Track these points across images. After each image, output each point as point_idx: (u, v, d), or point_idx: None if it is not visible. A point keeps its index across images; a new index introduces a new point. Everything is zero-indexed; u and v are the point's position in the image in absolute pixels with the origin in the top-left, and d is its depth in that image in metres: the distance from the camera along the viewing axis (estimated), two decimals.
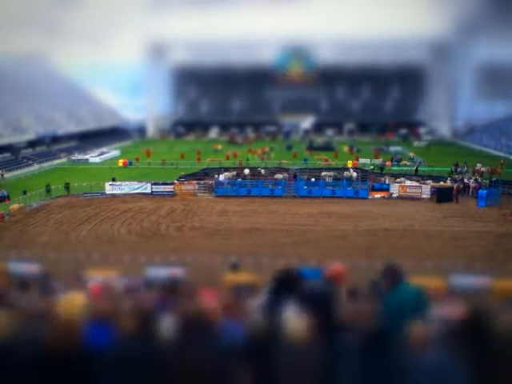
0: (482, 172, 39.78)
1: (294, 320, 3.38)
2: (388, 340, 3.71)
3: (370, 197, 32.57)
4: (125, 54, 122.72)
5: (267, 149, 60.14)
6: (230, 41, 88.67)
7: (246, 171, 38.80)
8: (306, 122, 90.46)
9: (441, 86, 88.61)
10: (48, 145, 61.61)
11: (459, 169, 41.50)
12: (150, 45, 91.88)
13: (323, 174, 37.51)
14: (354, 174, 37.49)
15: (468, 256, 19.02)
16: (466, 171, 40.70)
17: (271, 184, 34.47)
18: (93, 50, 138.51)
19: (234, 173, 38.37)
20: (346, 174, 37.82)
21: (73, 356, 3.15)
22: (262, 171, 39.26)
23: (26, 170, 47.74)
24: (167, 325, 3.44)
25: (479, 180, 34.22)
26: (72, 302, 3.53)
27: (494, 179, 34.77)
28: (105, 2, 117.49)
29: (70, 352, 3.15)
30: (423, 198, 31.94)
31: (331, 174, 37.58)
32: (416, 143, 72.55)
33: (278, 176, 37.20)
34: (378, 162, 47.66)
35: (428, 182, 34.35)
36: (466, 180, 34.00)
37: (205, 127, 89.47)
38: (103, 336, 3.35)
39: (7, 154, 51.31)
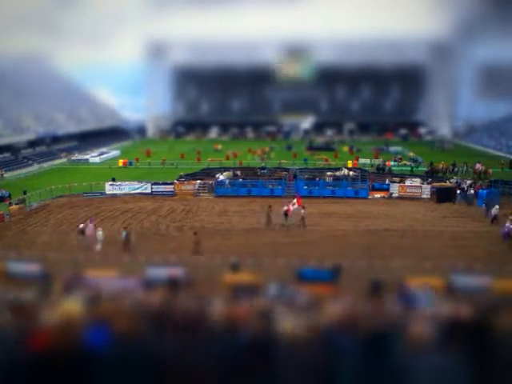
0: (480, 172, 39.65)
1: (290, 322, 3.38)
2: (386, 340, 3.70)
3: (370, 197, 32.54)
4: (125, 54, 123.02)
5: (267, 149, 60.15)
6: (230, 41, 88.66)
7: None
8: (306, 122, 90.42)
9: (441, 86, 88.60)
10: (48, 145, 61.59)
11: (456, 169, 41.35)
12: (150, 45, 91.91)
13: (329, 173, 37.27)
14: (351, 173, 37.28)
15: (468, 256, 19.00)
16: (466, 171, 40.60)
17: (271, 184, 34.46)
18: (93, 50, 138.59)
19: (231, 173, 37.92)
20: (339, 172, 37.51)
21: (72, 357, 3.14)
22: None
23: (25, 170, 47.73)
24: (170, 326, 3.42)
25: (471, 183, 32.48)
26: (70, 306, 3.52)
27: (486, 180, 34.60)
28: (105, 2, 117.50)
29: (69, 353, 3.15)
30: (423, 198, 31.92)
31: (335, 174, 37.34)
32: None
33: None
34: (378, 161, 47.61)
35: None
36: (462, 185, 32.29)
37: (205, 127, 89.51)
38: (101, 337, 3.34)
39: (7, 154, 51.33)
